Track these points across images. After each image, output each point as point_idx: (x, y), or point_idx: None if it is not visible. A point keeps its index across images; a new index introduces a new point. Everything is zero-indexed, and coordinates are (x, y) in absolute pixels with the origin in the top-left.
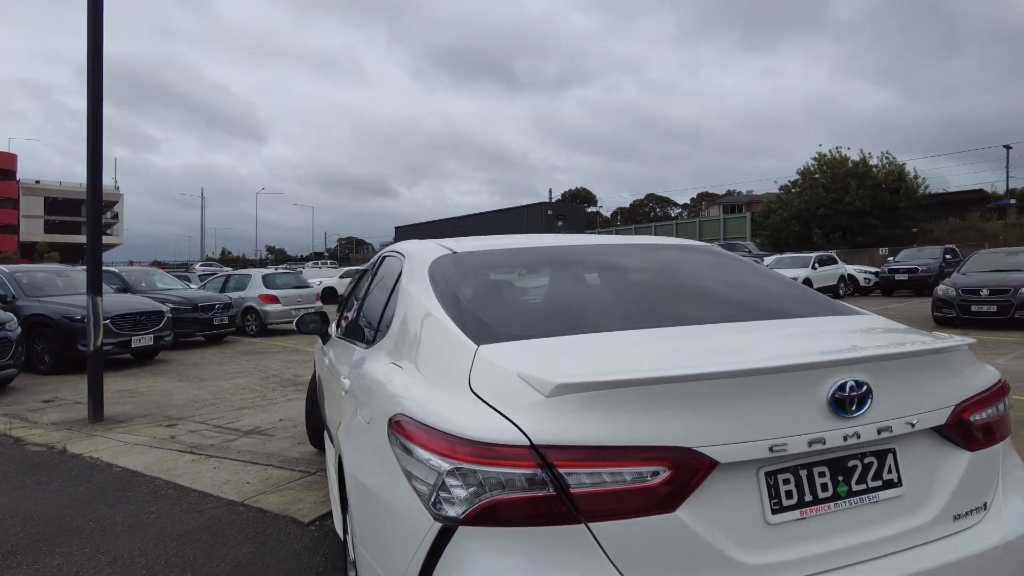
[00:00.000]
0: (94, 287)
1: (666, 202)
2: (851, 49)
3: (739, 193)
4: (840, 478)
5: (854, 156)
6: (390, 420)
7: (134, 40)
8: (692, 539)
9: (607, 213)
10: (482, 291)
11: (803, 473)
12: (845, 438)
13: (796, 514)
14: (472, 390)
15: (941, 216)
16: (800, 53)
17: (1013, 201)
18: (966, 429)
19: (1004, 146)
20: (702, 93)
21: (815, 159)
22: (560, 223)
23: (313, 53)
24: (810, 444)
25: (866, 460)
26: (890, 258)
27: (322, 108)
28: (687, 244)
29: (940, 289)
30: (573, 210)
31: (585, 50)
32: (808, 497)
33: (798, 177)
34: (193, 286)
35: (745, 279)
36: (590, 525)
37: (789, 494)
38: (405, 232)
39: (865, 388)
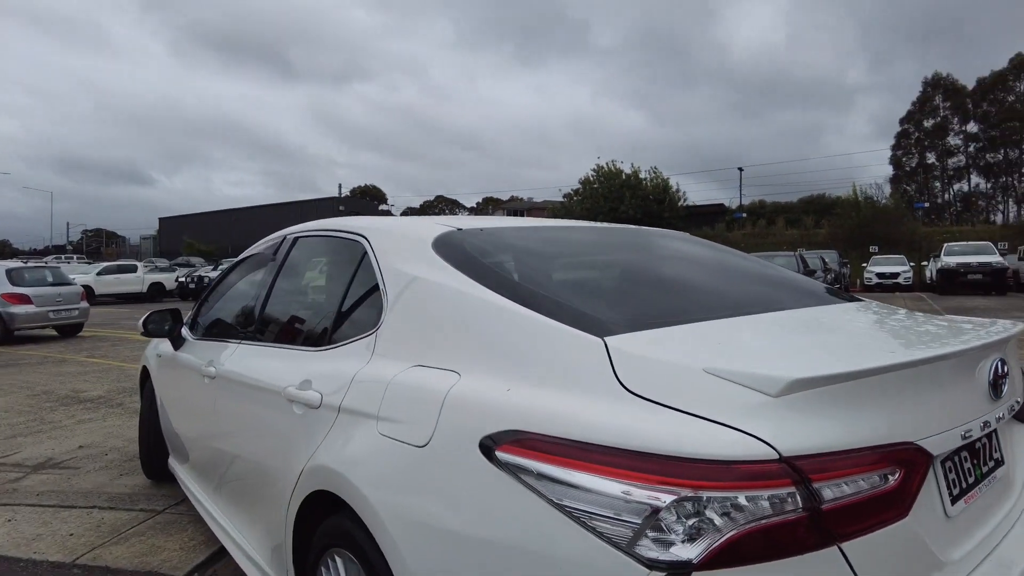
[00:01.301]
0: None
1: (455, 204)
2: (610, 74)
3: (521, 199)
4: (975, 461)
5: (627, 169)
6: (490, 440)
7: None
8: (919, 545)
9: (396, 212)
10: (534, 274)
11: (959, 459)
12: (998, 419)
13: (962, 503)
14: (636, 394)
15: (694, 226)
16: (567, 73)
17: (744, 215)
18: None
19: (738, 168)
20: (480, 101)
21: (594, 170)
22: None
23: (38, 5)
24: (982, 428)
25: (982, 441)
26: None
27: (55, 75)
28: (674, 233)
29: None
30: (365, 207)
31: (365, 46)
32: (965, 484)
33: (579, 186)
34: None
35: (755, 265)
36: (841, 545)
37: (954, 483)
38: (171, 224)
39: (1007, 369)
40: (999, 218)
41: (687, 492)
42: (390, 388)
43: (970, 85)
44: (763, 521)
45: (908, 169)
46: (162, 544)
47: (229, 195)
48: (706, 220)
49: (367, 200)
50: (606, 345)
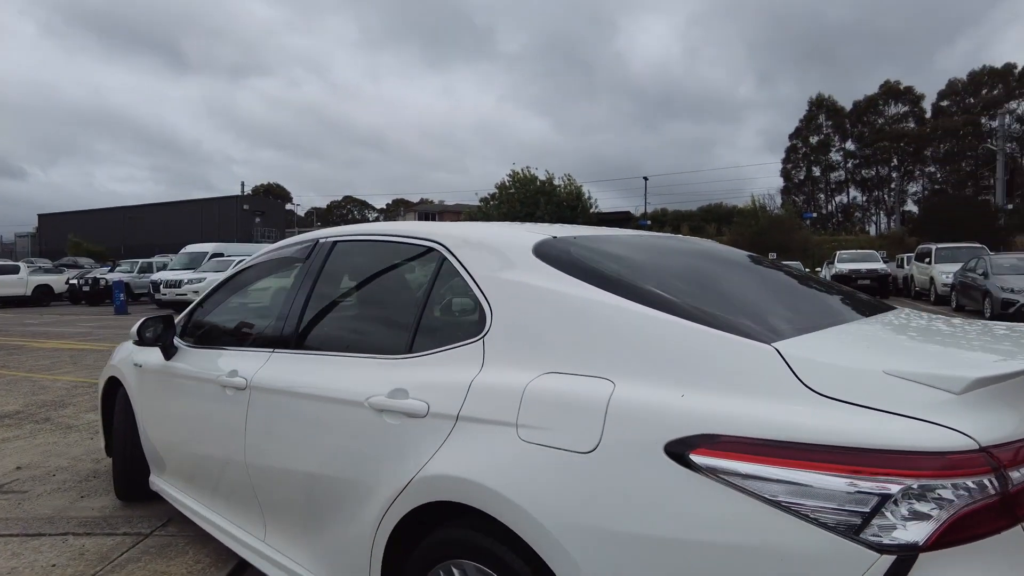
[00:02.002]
0: None
1: (364, 205)
2: (515, 80)
3: (431, 201)
4: None
5: (542, 176)
6: (679, 444)
7: None
8: None
9: (302, 212)
10: (655, 282)
11: None
12: None
13: None
14: (824, 395)
15: None
16: (473, 77)
17: (649, 222)
18: None
19: (643, 177)
20: (385, 101)
21: (510, 176)
22: (258, 219)
23: None
24: None
25: None
26: None
27: None
28: (710, 242)
29: None
30: (271, 206)
31: (264, 40)
32: None
33: (496, 191)
34: None
35: (803, 275)
36: None
37: None
38: (52, 221)
39: None
40: (873, 228)
41: (910, 482)
42: (528, 395)
43: (848, 107)
44: (971, 505)
45: (796, 181)
46: (165, 570)
47: (115, 192)
48: (613, 227)
49: (271, 199)
50: (778, 351)
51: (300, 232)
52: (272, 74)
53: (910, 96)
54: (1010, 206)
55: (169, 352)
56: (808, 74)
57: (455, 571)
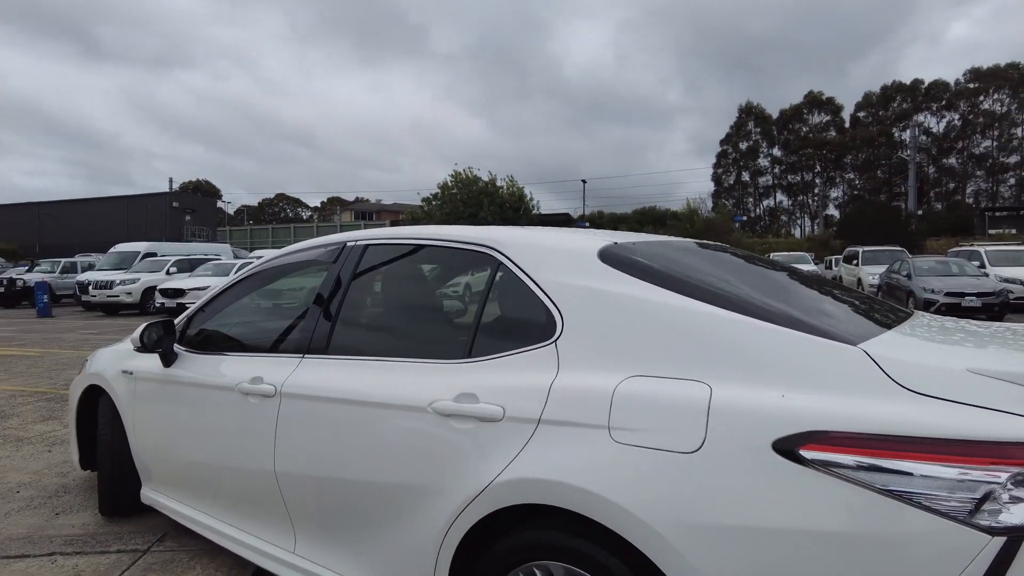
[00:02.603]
0: None
1: (297, 203)
2: (449, 80)
3: (367, 200)
4: None
5: (484, 176)
6: (787, 440)
7: None
8: None
9: (231, 210)
10: (725, 288)
11: None
12: None
13: None
14: (919, 392)
15: None
16: (406, 75)
17: (588, 224)
18: None
19: (582, 180)
20: (316, 98)
21: (452, 176)
22: (188, 217)
23: None
24: None
25: None
26: None
27: None
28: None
29: None
30: (202, 204)
31: (187, 30)
32: None
33: (438, 191)
34: None
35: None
36: None
37: None
38: None
39: None
40: (798, 231)
41: (1017, 470)
42: (618, 398)
43: (775, 115)
44: None
45: (727, 185)
46: None
47: (24, 186)
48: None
49: (201, 196)
50: (866, 352)
51: (232, 231)
52: (196, 66)
53: (831, 106)
54: (920, 212)
55: (169, 359)
56: (735, 82)
57: (538, 572)
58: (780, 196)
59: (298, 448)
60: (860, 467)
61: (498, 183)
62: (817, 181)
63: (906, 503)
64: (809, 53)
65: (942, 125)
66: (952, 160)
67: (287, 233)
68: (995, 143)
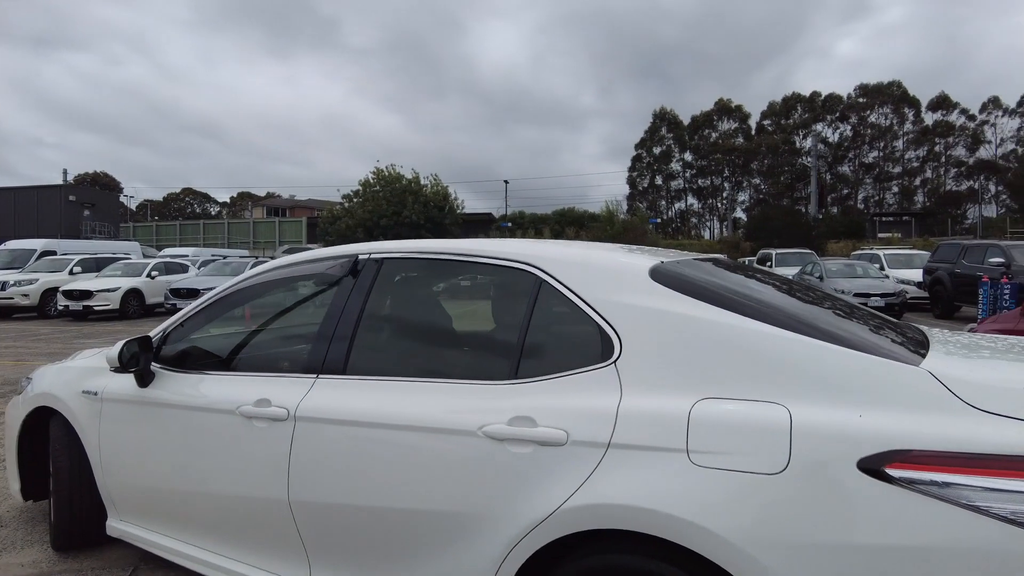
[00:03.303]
0: None
1: (205, 198)
2: (363, 74)
3: (279, 196)
4: None
5: (408, 174)
6: (872, 460)
7: None
8: None
9: (134, 205)
10: (776, 308)
11: None
12: None
13: None
14: (986, 411)
15: (471, 233)
16: (318, 68)
17: (510, 224)
18: None
19: (504, 181)
20: (222, 88)
21: (374, 173)
22: (87, 212)
23: None
24: None
25: None
26: None
27: None
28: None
29: None
30: (102, 198)
31: (74, 8)
32: None
33: (359, 188)
34: None
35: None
36: None
37: None
38: None
39: None
40: (707, 233)
41: None
42: (695, 420)
43: (687, 120)
44: None
45: (641, 188)
46: None
47: None
48: (478, 228)
49: (99, 189)
50: (931, 372)
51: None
52: (87, 48)
53: (740, 114)
54: (820, 216)
55: (146, 379)
56: (647, 87)
57: None
58: (691, 199)
59: (318, 475)
60: (946, 484)
61: (422, 181)
62: (726, 185)
63: (994, 518)
64: (717, 62)
65: (836, 135)
66: (845, 168)
67: (196, 230)
68: (880, 154)
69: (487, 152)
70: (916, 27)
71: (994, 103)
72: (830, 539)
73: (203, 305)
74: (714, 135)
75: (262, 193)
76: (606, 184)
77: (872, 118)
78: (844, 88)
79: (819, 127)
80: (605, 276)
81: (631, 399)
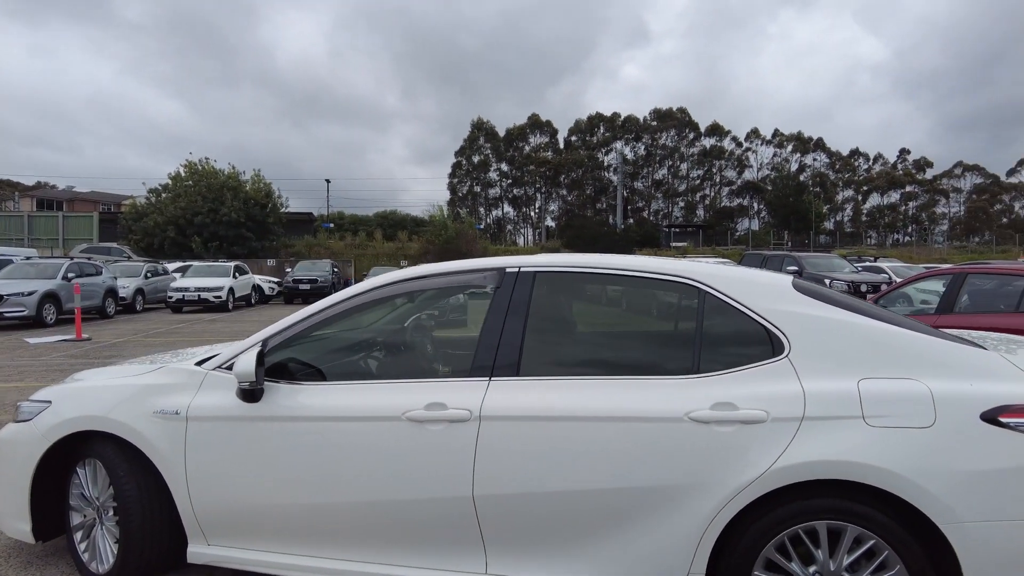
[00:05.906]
0: None
1: None
2: (139, 53)
3: (53, 187)
4: None
5: (225, 168)
6: (991, 412)
7: None
8: None
9: None
10: (875, 311)
11: None
12: None
13: None
14: None
15: (294, 234)
16: (81, 40)
17: (332, 225)
18: None
19: (326, 180)
20: None
21: (185, 167)
22: None
23: None
24: None
25: None
26: (288, 269)
27: None
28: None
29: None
30: None
31: None
32: None
33: (168, 182)
34: None
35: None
36: None
37: None
38: None
39: None
40: (521, 240)
41: None
42: (864, 394)
43: (503, 132)
44: None
45: (461, 195)
46: None
47: None
48: (298, 228)
49: None
50: (1000, 355)
51: None
52: None
53: (550, 129)
54: (623, 226)
55: (256, 394)
56: (456, 94)
57: (801, 533)
58: (507, 207)
59: (507, 469)
60: None
61: (243, 177)
62: (538, 195)
63: None
64: (516, 74)
65: (632, 154)
66: (640, 183)
67: None
68: (668, 172)
69: (285, 147)
70: (687, 59)
71: (755, 133)
72: (967, 467)
73: (315, 322)
74: (527, 148)
75: (30, 182)
76: (419, 189)
77: (663, 140)
78: (640, 111)
79: (619, 145)
80: (762, 289)
81: (811, 383)
